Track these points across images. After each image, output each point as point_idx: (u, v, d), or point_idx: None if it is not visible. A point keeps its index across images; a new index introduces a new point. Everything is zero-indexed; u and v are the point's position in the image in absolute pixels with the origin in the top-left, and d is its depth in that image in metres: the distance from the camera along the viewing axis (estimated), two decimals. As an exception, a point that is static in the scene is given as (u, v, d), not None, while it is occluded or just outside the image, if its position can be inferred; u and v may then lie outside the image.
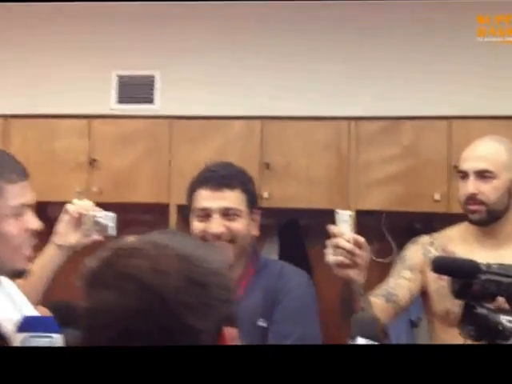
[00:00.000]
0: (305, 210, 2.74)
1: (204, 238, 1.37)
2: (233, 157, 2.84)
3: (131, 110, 2.90)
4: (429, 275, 1.54)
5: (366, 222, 2.68)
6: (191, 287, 0.63)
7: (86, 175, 2.84)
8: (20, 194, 1.09)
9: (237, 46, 2.84)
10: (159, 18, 2.89)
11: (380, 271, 2.78)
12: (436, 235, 1.63)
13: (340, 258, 1.23)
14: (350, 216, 1.26)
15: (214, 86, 2.83)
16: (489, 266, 1.12)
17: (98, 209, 1.34)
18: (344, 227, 1.25)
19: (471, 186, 1.53)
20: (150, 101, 2.89)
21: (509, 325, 1.03)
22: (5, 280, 1.13)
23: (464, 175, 1.56)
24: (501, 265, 1.14)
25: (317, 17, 2.80)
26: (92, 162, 2.83)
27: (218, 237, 1.37)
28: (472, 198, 1.53)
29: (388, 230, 2.73)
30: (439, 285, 1.53)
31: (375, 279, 2.80)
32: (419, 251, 1.59)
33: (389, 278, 1.58)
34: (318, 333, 1.39)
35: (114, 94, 2.91)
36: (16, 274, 1.13)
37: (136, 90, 2.90)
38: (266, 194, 2.64)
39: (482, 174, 1.53)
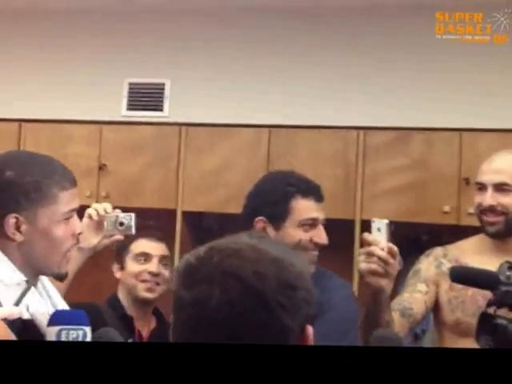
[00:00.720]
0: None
1: (307, 246, 1.44)
2: (240, 165, 2.87)
3: (141, 117, 2.94)
4: (442, 287, 1.55)
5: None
6: (285, 289, 0.70)
7: (96, 180, 2.88)
8: (71, 200, 1.15)
9: (245, 57, 2.88)
10: (170, 28, 2.94)
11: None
12: (449, 247, 1.65)
13: (373, 266, 1.24)
14: (387, 224, 1.26)
15: (222, 95, 2.87)
16: (508, 277, 1.13)
17: (117, 210, 1.41)
18: (379, 235, 1.25)
19: (490, 198, 1.55)
20: (159, 108, 2.93)
21: None
22: (45, 279, 1.19)
23: (482, 187, 1.58)
24: None
25: (325, 28, 2.83)
26: (102, 167, 2.87)
27: (322, 246, 1.44)
28: (491, 210, 1.55)
29: (395, 242, 2.72)
30: (451, 295, 1.54)
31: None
32: (433, 264, 1.60)
33: (403, 292, 1.58)
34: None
35: (124, 101, 2.95)
36: (60, 276, 1.19)
37: (146, 97, 2.94)
38: (272, 203, 2.65)
39: (501, 187, 1.55)
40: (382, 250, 1.23)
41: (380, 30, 2.77)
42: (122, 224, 1.36)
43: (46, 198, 1.12)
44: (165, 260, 1.76)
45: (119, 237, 1.39)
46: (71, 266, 1.34)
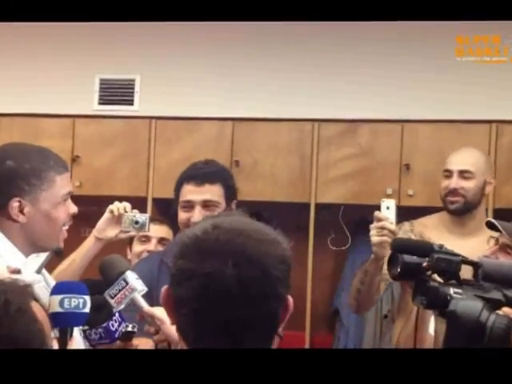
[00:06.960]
0: (269, 202, 3.01)
1: (187, 225, 1.60)
2: (206, 155, 3.05)
3: (113, 111, 3.12)
4: None
5: (325, 214, 2.98)
6: (280, 264, 0.81)
7: (69, 170, 3.03)
8: (66, 183, 1.30)
9: (210, 54, 3.08)
10: (140, 27, 3.11)
11: (336, 259, 3.10)
12: (415, 223, 1.96)
13: (384, 238, 1.51)
14: (394, 203, 1.54)
15: (189, 90, 3.06)
16: (441, 246, 1.30)
17: (135, 210, 1.57)
18: (388, 213, 1.52)
19: (454, 182, 1.90)
20: (130, 103, 3.12)
21: (456, 296, 1.20)
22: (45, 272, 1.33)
23: (449, 174, 1.93)
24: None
25: (285, 27, 3.05)
26: (75, 159, 3.03)
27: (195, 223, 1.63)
28: (454, 192, 1.89)
29: (344, 222, 3.02)
30: None
31: (332, 266, 3.11)
32: (404, 236, 1.86)
33: None
34: None
35: (96, 96, 3.12)
36: (58, 251, 1.34)
37: (117, 92, 3.12)
38: (235, 189, 2.90)
39: (464, 174, 1.90)
40: (392, 223, 1.51)
41: (336, 33, 2.94)
42: (137, 223, 1.52)
43: (45, 183, 1.25)
44: (164, 241, 2.00)
45: (134, 233, 1.58)
46: (89, 253, 1.53)
